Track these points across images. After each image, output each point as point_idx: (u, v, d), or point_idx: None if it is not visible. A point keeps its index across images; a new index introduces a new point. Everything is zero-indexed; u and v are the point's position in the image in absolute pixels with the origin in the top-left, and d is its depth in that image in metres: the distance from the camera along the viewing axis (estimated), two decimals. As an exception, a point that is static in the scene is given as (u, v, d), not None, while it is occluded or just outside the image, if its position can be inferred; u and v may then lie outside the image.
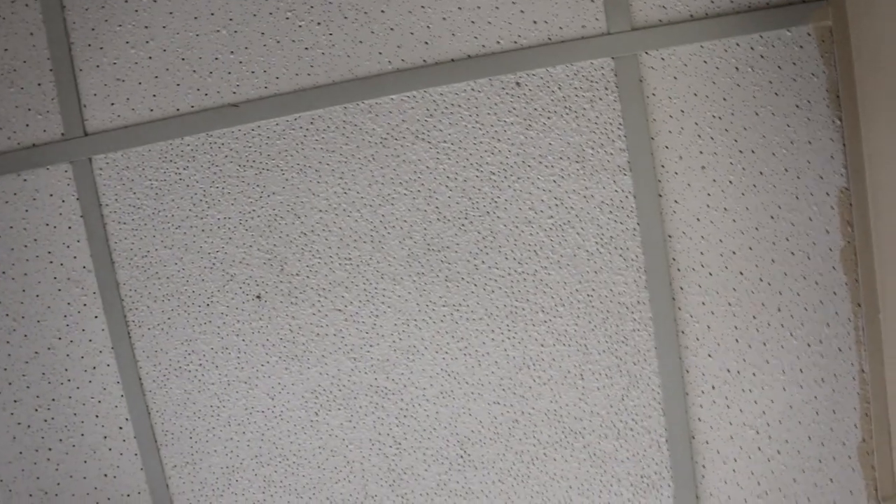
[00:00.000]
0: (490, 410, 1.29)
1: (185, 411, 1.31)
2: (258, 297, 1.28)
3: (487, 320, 1.27)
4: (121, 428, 1.32)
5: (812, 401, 1.29)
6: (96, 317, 1.30)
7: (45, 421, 1.33)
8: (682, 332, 1.27)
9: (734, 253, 1.26)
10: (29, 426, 1.33)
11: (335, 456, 1.31)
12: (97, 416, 1.32)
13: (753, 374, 1.29)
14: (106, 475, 1.34)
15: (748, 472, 1.30)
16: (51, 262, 1.30)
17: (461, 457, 1.31)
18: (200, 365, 1.30)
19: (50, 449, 1.34)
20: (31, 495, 1.34)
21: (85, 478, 1.34)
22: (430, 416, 1.30)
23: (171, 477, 1.33)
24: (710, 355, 1.28)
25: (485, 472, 1.31)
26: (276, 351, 1.29)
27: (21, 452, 1.34)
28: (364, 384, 1.29)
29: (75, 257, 1.30)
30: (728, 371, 1.29)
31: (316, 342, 1.29)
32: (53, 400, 1.32)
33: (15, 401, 1.33)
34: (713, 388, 1.29)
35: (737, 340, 1.28)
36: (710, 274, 1.26)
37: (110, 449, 1.33)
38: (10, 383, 1.32)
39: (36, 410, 1.33)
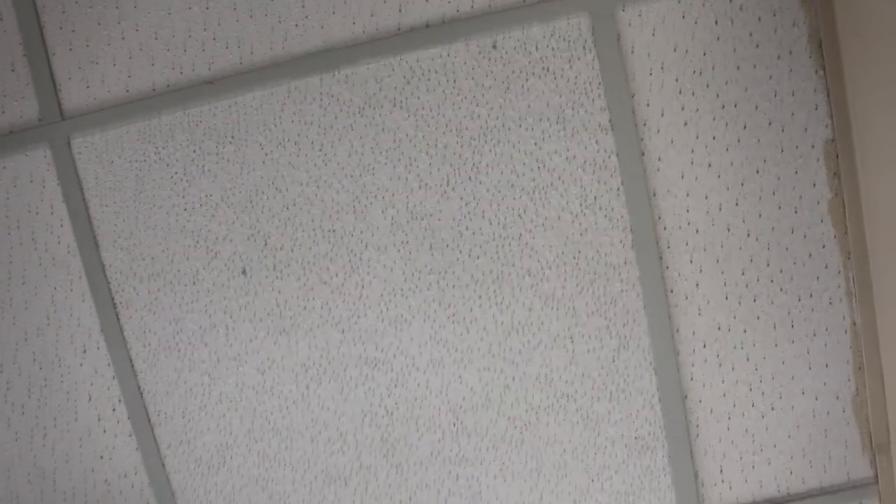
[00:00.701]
0: (481, 377, 1.31)
1: (176, 390, 1.33)
2: (243, 272, 1.29)
3: (474, 286, 1.29)
4: (114, 409, 1.35)
5: (804, 355, 1.30)
6: (83, 299, 1.32)
7: (38, 404, 1.35)
8: (671, 291, 1.29)
9: (720, 209, 1.27)
10: (23, 410, 1.35)
11: (328, 429, 1.33)
12: (90, 399, 1.34)
13: (744, 331, 1.30)
14: (102, 456, 1.36)
15: (742, 429, 1.32)
16: (35, 247, 1.32)
17: (454, 424, 1.33)
18: (189, 343, 1.32)
19: (45, 432, 1.36)
20: (28, 478, 1.37)
21: (81, 460, 1.36)
22: (420, 384, 1.32)
23: (166, 456, 1.35)
24: (699, 313, 1.29)
25: (478, 439, 1.33)
26: (263, 326, 1.31)
27: (16, 436, 1.36)
28: (353, 355, 1.31)
29: (59, 241, 1.31)
30: (719, 328, 1.30)
31: (303, 315, 1.30)
32: (45, 383, 1.34)
33: (7, 385, 1.35)
34: (704, 346, 1.30)
35: (726, 297, 1.29)
36: (697, 231, 1.27)
37: (105, 430, 1.35)
38: (1, 370, 1.35)
39: (28, 394, 1.35)
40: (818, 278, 1.28)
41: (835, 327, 1.30)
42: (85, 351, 1.33)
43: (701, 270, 1.28)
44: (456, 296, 1.29)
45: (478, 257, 1.28)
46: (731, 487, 1.33)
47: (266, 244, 1.29)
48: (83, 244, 1.31)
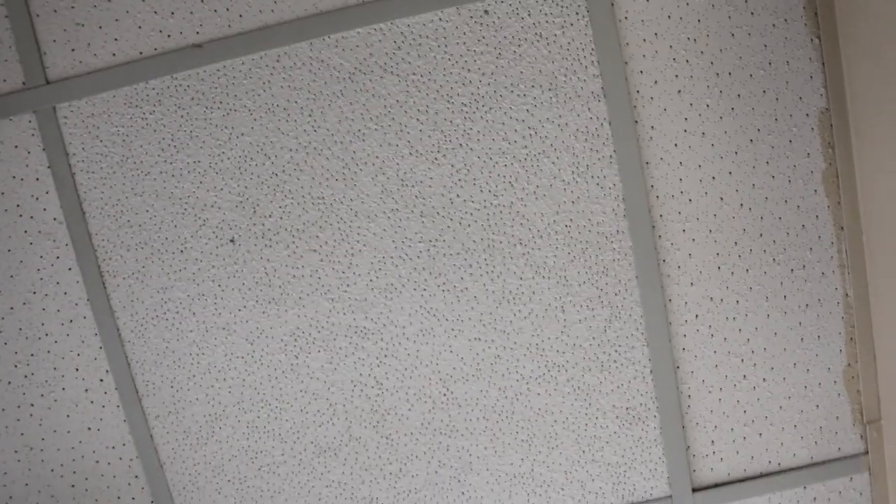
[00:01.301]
0: (471, 347, 1.32)
1: (164, 360, 1.33)
2: (232, 240, 1.29)
3: (465, 255, 1.29)
4: (101, 380, 1.35)
5: (796, 327, 1.31)
6: (70, 269, 1.32)
7: (26, 377, 1.35)
8: (664, 261, 1.29)
9: (713, 178, 1.27)
10: (9, 382, 1.35)
11: (317, 399, 1.34)
12: (77, 370, 1.34)
13: (737, 302, 1.31)
14: (90, 428, 1.36)
15: (734, 401, 1.33)
16: (20, 216, 1.31)
17: (444, 395, 1.33)
18: (177, 313, 1.32)
19: (32, 405, 1.36)
20: (16, 451, 1.37)
21: (69, 432, 1.36)
22: (410, 354, 1.32)
23: (154, 427, 1.36)
24: (692, 283, 1.30)
25: (469, 410, 1.34)
26: (252, 295, 1.31)
27: (3, 409, 1.36)
28: (343, 325, 1.32)
29: (45, 209, 1.31)
30: (711, 299, 1.31)
31: (292, 284, 1.30)
32: (32, 355, 1.34)
33: (-8, 357, 1.35)
34: (696, 316, 1.31)
35: (719, 268, 1.30)
36: (690, 200, 1.28)
37: (92, 402, 1.35)
38: (-14, 340, 1.35)
39: (15, 366, 1.35)
40: (811, 249, 1.29)
41: (827, 299, 1.31)
42: (72, 321, 1.33)
43: (693, 240, 1.29)
44: (446, 264, 1.29)
45: (468, 225, 1.28)
46: (722, 459, 1.34)
47: (255, 212, 1.29)
48: (69, 212, 1.31)
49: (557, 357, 1.32)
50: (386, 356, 1.33)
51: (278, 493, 1.37)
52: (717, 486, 1.35)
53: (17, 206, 1.31)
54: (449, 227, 1.29)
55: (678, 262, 1.29)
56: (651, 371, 1.32)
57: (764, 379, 1.33)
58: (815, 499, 1.35)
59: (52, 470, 1.38)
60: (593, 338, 1.31)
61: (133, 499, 1.38)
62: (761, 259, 1.30)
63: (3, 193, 1.31)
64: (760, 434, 1.34)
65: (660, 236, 1.29)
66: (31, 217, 1.31)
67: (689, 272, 1.30)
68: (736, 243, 1.29)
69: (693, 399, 1.33)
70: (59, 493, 1.38)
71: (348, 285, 1.31)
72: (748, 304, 1.31)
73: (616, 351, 1.32)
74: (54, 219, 1.31)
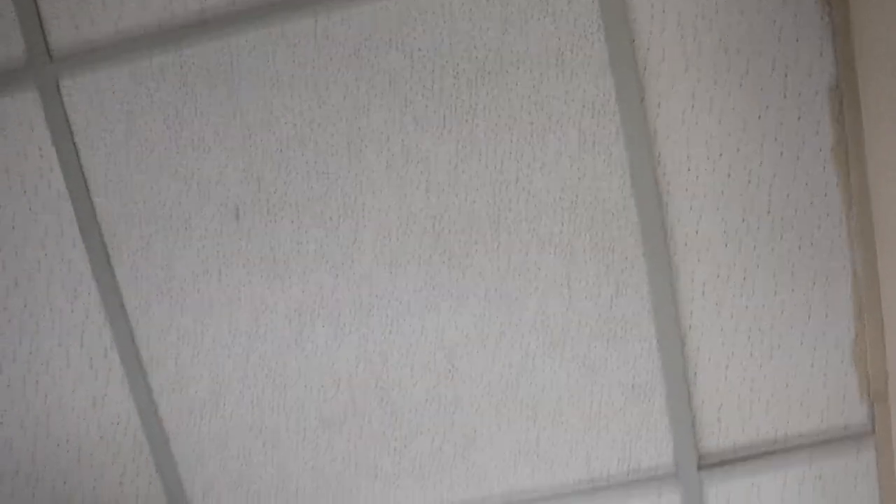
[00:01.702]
0: (476, 322, 1.33)
1: (168, 336, 1.35)
2: (236, 216, 1.30)
3: (470, 230, 1.30)
4: (106, 355, 1.36)
5: (804, 303, 1.32)
6: (74, 245, 1.33)
7: (30, 352, 1.37)
8: (671, 237, 1.30)
9: (721, 154, 1.28)
10: (14, 357, 1.37)
11: (322, 374, 1.35)
12: (82, 344, 1.36)
13: (744, 278, 1.32)
14: (94, 402, 1.38)
15: (741, 377, 1.34)
16: (24, 192, 1.33)
17: (449, 370, 1.35)
18: (181, 289, 1.34)
19: (37, 381, 1.38)
20: (22, 426, 1.39)
21: (74, 406, 1.39)
22: (415, 330, 1.34)
23: (158, 402, 1.38)
24: (699, 259, 1.31)
25: (473, 385, 1.35)
26: (256, 270, 1.32)
27: (8, 385, 1.38)
28: (348, 300, 1.33)
29: (49, 185, 1.32)
30: (718, 276, 1.32)
31: (297, 259, 1.32)
32: (37, 330, 1.36)
33: (-1, 332, 1.37)
34: (703, 293, 1.32)
35: (726, 245, 1.31)
36: (697, 177, 1.28)
37: (97, 376, 1.37)
38: (-9, 316, 1.37)
39: (20, 341, 1.37)
40: (819, 226, 1.30)
41: (835, 275, 1.32)
42: (76, 296, 1.35)
43: (701, 216, 1.29)
44: (451, 240, 1.31)
45: (474, 201, 1.29)
46: (728, 434, 1.36)
47: (259, 187, 1.30)
48: (74, 189, 1.32)
49: (563, 332, 1.33)
50: (391, 332, 1.34)
51: (282, 467, 1.40)
52: (722, 461, 1.37)
53: (21, 181, 1.33)
54: (454, 202, 1.30)
55: (685, 237, 1.30)
56: (657, 346, 1.33)
57: (771, 355, 1.34)
58: (819, 476, 1.37)
59: (58, 445, 1.40)
60: (599, 314, 1.33)
61: (138, 473, 1.41)
62: (769, 235, 1.30)
63: (7, 170, 1.32)
64: (767, 410, 1.35)
65: (667, 212, 1.29)
66: (36, 193, 1.33)
67: (696, 248, 1.31)
68: (743, 219, 1.30)
69: (700, 374, 1.34)
70: (65, 466, 1.40)
71: (353, 260, 1.32)
72: (756, 280, 1.32)
73: (622, 327, 1.33)
74: (58, 195, 1.33)
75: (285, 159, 1.30)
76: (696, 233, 1.30)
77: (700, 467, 1.36)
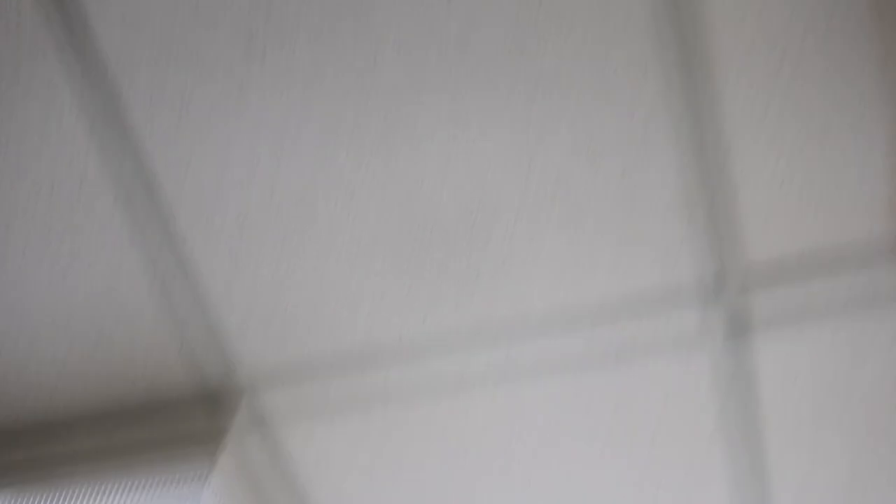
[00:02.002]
0: (508, 145, 1.29)
1: (187, 176, 1.33)
2: (249, 41, 1.23)
3: (493, 45, 1.23)
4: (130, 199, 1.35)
5: (843, 115, 1.26)
6: (82, 94, 1.28)
7: (48, 207, 1.35)
8: (708, 51, 1.23)
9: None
10: (33, 215, 1.36)
11: (349, 200, 1.34)
12: (97, 182, 1.34)
13: (785, 95, 1.25)
14: (125, 244, 1.38)
15: (781, 188, 1.32)
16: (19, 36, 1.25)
17: (481, 189, 1.33)
18: (197, 125, 1.29)
19: (61, 239, 1.37)
20: (45, 287, 1.40)
21: (104, 245, 1.38)
22: (441, 154, 1.30)
23: (185, 239, 1.37)
24: (738, 77, 1.24)
25: (506, 213, 1.34)
26: (274, 94, 1.26)
27: (25, 246, 1.38)
28: (370, 127, 1.28)
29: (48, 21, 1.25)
30: (757, 92, 1.25)
31: (317, 82, 1.25)
32: (52, 185, 1.33)
33: (10, 187, 1.35)
34: (742, 109, 1.27)
35: (771, 50, 1.23)
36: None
37: (123, 223, 1.36)
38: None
39: (39, 194, 1.34)
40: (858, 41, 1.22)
41: (871, 90, 1.24)
42: (87, 147, 1.31)
43: (740, 27, 1.21)
44: (476, 56, 1.23)
45: (499, 21, 1.21)
46: (771, 244, 1.36)
47: (270, 8, 1.22)
48: (77, 31, 1.24)
49: (598, 147, 1.29)
50: (418, 154, 1.30)
51: (315, 295, 1.42)
52: (766, 271, 1.38)
53: (17, 25, 1.24)
54: (480, 18, 1.21)
55: (725, 50, 1.22)
56: (696, 160, 1.29)
57: (811, 166, 1.30)
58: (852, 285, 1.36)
59: (84, 297, 1.42)
60: (634, 130, 1.27)
61: (171, 310, 1.43)
62: (813, 48, 1.22)
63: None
64: (805, 220, 1.33)
65: (705, 24, 1.21)
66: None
67: (735, 62, 1.23)
68: (785, 30, 1.21)
69: (740, 185, 1.31)
70: (96, 313, 1.43)
71: (372, 85, 1.25)
72: (796, 93, 1.25)
73: (659, 141, 1.28)
74: (60, 38, 1.25)
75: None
76: (735, 47, 1.22)
77: (745, 272, 1.37)
